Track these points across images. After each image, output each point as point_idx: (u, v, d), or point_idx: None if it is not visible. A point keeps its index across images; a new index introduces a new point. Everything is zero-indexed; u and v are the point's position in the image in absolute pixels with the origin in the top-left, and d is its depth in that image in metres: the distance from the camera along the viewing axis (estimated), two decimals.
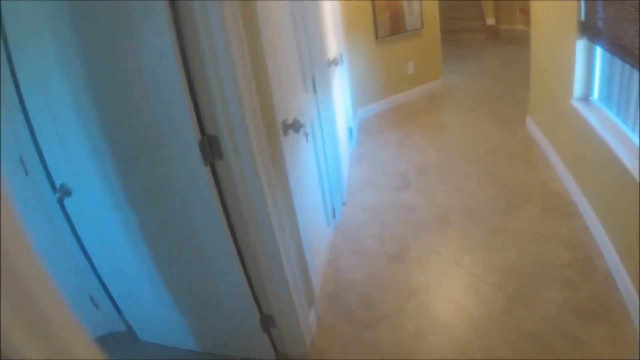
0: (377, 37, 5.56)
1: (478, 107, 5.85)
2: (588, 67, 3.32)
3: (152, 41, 1.57)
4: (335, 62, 3.41)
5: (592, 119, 3.08)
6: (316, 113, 3.05)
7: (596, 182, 3.17)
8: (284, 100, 2.29)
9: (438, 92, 6.59)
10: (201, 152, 1.78)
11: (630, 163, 2.51)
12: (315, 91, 3.00)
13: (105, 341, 2.71)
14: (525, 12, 9.59)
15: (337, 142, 3.54)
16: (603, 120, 3.02)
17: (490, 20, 9.85)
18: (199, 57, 1.64)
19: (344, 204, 3.89)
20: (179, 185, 1.89)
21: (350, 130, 4.72)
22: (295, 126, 2.29)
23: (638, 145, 2.55)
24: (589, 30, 3.13)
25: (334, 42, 3.97)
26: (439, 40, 6.41)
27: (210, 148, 1.83)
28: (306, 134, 2.38)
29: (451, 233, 3.40)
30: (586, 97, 3.42)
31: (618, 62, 2.85)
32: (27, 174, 2.17)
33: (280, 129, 2.15)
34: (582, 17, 3.18)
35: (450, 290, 2.86)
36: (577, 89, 3.42)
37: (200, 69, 1.67)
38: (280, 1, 2.34)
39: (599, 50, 3.19)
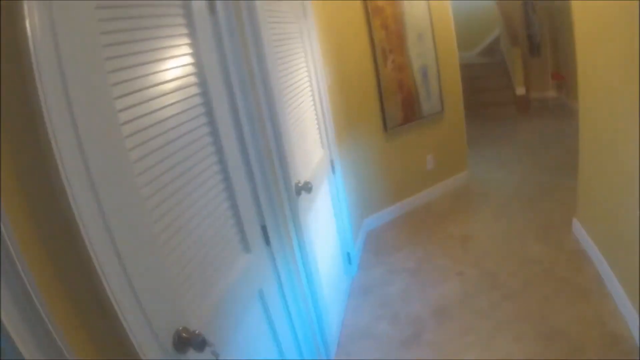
0: (385, 129, 4.66)
1: (513, 209, 4.83)
2: None
3: None
4: (307, 187, 2.49)
5: None
6: (271, 271, 2.13)
7: None
8: (179, 301, 1.39)
9: (464, 188, 5.58)
10: None
11: None
12: (268, 243, 2.09)
13: None
14: (559, 77, 8.78)
15: (316, 292, 2.61)
16: None
17: (520, 90, 8.97)
18: None
19: None
20: None
21: (348, 256, 3.76)
22: (196, 342, 1.38)
23: None
24: None
25: (317, 152, 3.08)
26: (463, 124, 5.49)
27: None
28: (216, 355, 1.44)
29: None
30: None
31: None
32: None
33: (168, 348, 1.30)
34: None
35: None
36: None
37: None
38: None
39: None
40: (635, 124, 2.62)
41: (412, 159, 5.04)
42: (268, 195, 2.09)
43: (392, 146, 4.80)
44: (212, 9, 1.76)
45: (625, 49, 2.65)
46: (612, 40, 2.85)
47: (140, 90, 1.28)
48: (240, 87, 1.92)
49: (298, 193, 2.38)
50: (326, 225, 3.19)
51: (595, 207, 3.57)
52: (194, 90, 1.58)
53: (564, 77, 8.70)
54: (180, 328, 1.36)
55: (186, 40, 1.57)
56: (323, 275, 2.88)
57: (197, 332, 1.39)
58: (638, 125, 2.52)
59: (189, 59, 1.57)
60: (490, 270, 3.74)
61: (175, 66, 1.48)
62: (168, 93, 1.42)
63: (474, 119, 7.98)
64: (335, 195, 3.46)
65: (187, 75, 1.55)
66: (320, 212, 3.00)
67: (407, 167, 5.01)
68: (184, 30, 1.56)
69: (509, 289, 3.45)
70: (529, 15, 9.06)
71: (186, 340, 1.36)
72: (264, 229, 2.05)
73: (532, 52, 9.29)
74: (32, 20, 0.92)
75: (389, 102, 4.60)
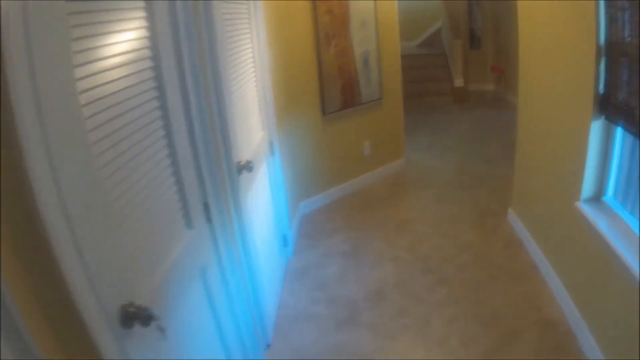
0: (324, 113, 4.75)
1: (450, 195, 5.05)
2: (603, 157, 2.57)
3: None
4: (248, 166, 2.53)
5: (606, 229, 2.36)
6: (212, 248, 2.18)
7: (604, 312, 2.47)
8: (126, 275, 1.42)
9: (401, 174, 5.77)
10: None
11: None
12: (210, 220, 2.13)
13: None
14: (499, 70, 9.08)
15: (254, 272, 2.68)
16: (620, 231, 2.31)
17: (459, 82, 9.25)
18: None
19: (268, 346, 3.01)
20: None
21: (284, 238, 3.83)
22: (142, 317, 1.41)
23: None
24: (609, 106, 2.37)
25: (257, 132, 3.12)
26: (401, 112, 5.67)
27: None
28: (162, 329, 1.48)
29: None
30: (598, 197, 2.67)
31: None
32: None
33: (114, 323, 1.31)
34: (600, 89, 2.41)
35: None
36: (587, 186, 2.66)
37: None
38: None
39: (619, 134, 2.46)
40: (568, 121, 2.80)
41: (349, 144, 5.17)
42: (211, 173, 2.12)
43: (330, 131, 4.89)
44: None
45: (563, 47, 2.83)
46: (551, 37, 3.04)
47: (96, 60, 1.30)
48: (191, 63, 1.94)
49: (239, 172, 2.43)
50: (264, 206, 3.24)
51: (529, 199, 3.80)
52: (147, 63, 1.60)
53: (503, 70, 9.01)
54: (127, 302, 1.39)
55: (142, 14, 1.58)
56: (260, 256, 2.94)
57: (143, 306, 1.42)
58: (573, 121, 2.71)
59: (144, 32, 1.59)
60: (425, 255, 3.91)
61: (130, 39, 1.49)
62: (122, 65, 1.43)
63: (411, 108, 8.20)
64: (274, 177, 3.52)
65: (142, 48, 1.57)
66: (258, 193, 3.06)
67: (344, 152, 5.13)
68: (141, 4, 1.58)
69: (443, 274, 3.63)
70: (473, 8, 9.30)
71: (132, 315, 1.39)
72: (205, 205, 2.09)
73: (473, 45, 9.57)
74: None
75: (329, 86, 4.69)
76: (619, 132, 2.45)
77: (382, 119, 5.38)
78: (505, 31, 8.66)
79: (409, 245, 4.08)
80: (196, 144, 1.98)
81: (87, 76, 1.24)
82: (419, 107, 8.89)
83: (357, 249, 4.12)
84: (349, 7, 4.66)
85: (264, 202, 3.23)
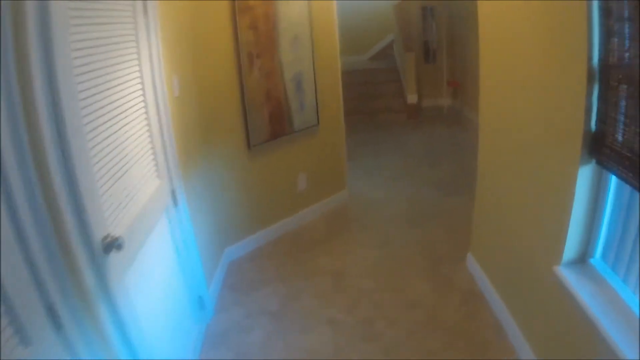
0: (249, 146, 4.31)
1: (397, 237, 4.65)
2: (592, 210, 2.18)
3: None
4: (116, 244, 2.00)
5: (589, 299, 2.03)
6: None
7: None
8: None
9: (342, 210, 5.36)
10: None
11: None
12: (59, 327, 1.67)
13: None
14: (455, 84, 8.91)
15: None
16: (608, 301, 2.01)
17: (412, 97, 8.98)
18: None
19: None
20: None
21: (200, 300, 3.37)
22: None
23: None
24: (604, 148, 1.98)
25: (149, 184, 2.62)
26: (343, 138, 5.32)
27: None
28: None
29: None
30: (582, 259, 2.30)
31: None
32: None
33: None
34: (592, 125, 2.03)
35: None
36: (571, 246, 2.27)
37: None
38: None
39: (614, 182, 2.08)
40: (548, 164, 2.42)
41: (281, 178, 4.76)
42: (53, 264, 1.66)
43: (257, 164, 4.48)
44: None
45: (541, 69, 2.42)
46: (523, 54, 2.65)
47: None
48: (10, 121, 1.47)
49: (107, 250, 1.96)
50: (163, 273, 2.77)
51: (493, 246, 3.37)
52: None
53: (459, 84, 8.84)
54: None
55: None
56: (158, 336, 2.50)
57: None
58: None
59: None
60: (365, 317, 3.49)
61: None
62: None
63: (360, 127, 7.92)
64: (179, 232, 3.04)
65: None
66: (151, 262, 2.56)
67: (275, 188, 4.72)
68: None
69: (387, 342, 3.21)
70: (428, 20, 9.15)
71: None
72: (51, 309, 1.63)
73: (427, 58, 9.41)
74: None
75: (254, 115, 4.27)
76: (613, 180, 2.08)
77: (319, 148, 5.01)
78: (461, 43, 8.47)
79: (348, 304, 3.66)
80: (23, 231, 1.51)
81: None
82: (369, 126, 8.62)
83: (286, 307, 3.68)
84: (277, 22, 4.26)
85: (162, 270, 2.75)
